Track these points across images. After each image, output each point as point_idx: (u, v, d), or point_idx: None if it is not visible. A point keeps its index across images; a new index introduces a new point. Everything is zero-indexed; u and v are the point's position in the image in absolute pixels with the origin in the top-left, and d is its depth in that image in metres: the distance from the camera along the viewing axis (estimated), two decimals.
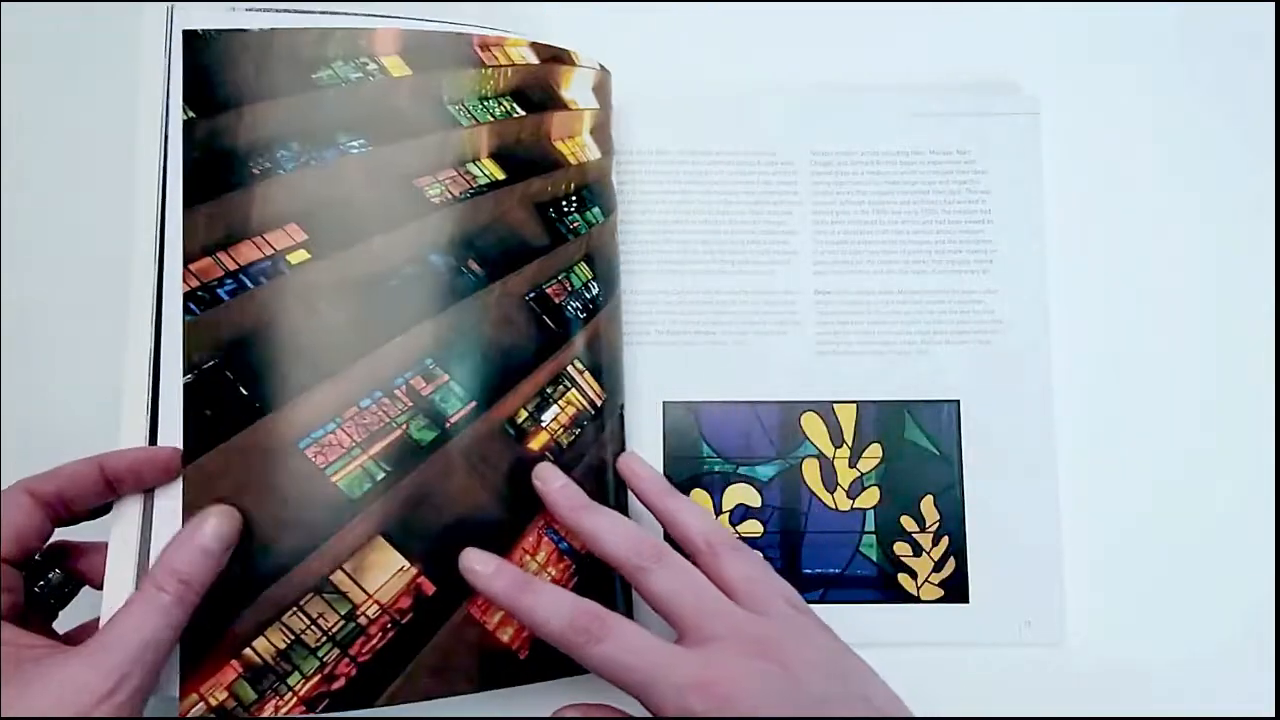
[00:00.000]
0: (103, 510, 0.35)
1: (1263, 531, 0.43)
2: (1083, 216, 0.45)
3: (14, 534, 0.32)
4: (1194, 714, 0.40)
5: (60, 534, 0.35)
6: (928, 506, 0.43)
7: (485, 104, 0.40)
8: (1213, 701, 0.41)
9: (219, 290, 0.36)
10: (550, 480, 0.37)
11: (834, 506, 0.43)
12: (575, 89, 0.42)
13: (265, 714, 0.34)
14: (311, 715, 0.34)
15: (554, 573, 0.38)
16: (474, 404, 0.38)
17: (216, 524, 0.33)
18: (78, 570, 0.35)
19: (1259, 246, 0.46)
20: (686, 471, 0.43)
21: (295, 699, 0.34)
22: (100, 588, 0.34)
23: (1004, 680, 0.42)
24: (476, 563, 0.34)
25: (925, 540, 0.42)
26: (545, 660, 0.37)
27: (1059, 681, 0.41)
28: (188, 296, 0.36)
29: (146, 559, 0.34)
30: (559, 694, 0.40)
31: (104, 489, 0.33)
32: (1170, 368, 0.44)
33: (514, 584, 0.33)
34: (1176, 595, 0.42)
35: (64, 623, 0.35)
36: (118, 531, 0.34)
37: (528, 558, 0.37)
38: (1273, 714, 0.36)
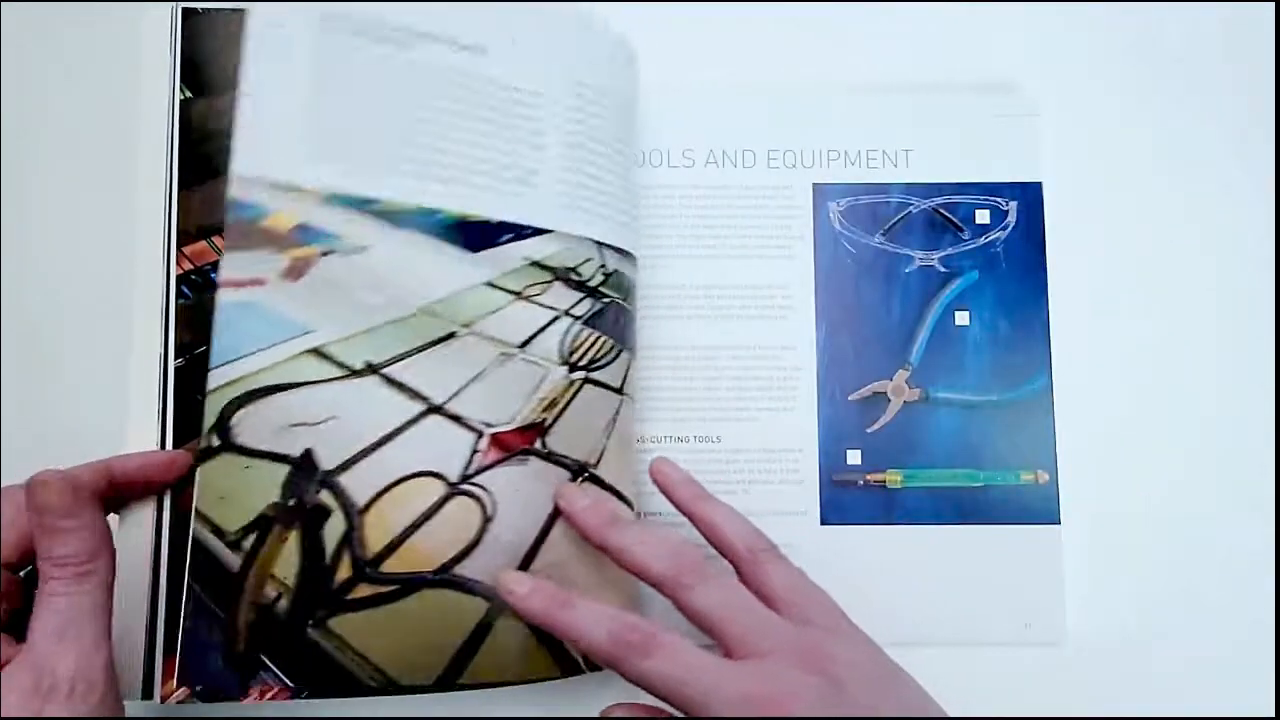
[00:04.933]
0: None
1: (1263, 532, 0.43)
2: (1083, 217, 0.45)
3: (14, 536, 0.31)
4: (1194, 714, 0.40)
5: None
6: None
7: None
8: (1213, 701, 0.41)
9: (213, 274, 0.35)
10: (574, 500, 0.35)
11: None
12: None
13: (249, 700, 0.33)
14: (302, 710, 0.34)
15: None
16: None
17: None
18: None
19: (1259, 246, 0.46)
20: None
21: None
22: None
23: (1004, 680, 0.42)
24: (513, 584, 0.33)
25: None
26: None
27: (1059, 681, 0.41)
28: (180, 279, 0.35)
29: (158, 565, 0.34)
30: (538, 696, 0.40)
31: (109, 492, 0.32)
32: (1170, 367, 0.44)
33: (552, 601, 0.32)
34: (1176, 595, 0.42)
35: None
36: (126, 537, 0.34)
37: None
38: (1273, 714, 0.36)
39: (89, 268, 0.43)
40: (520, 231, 0.37)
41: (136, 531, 0.34)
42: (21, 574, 0.33)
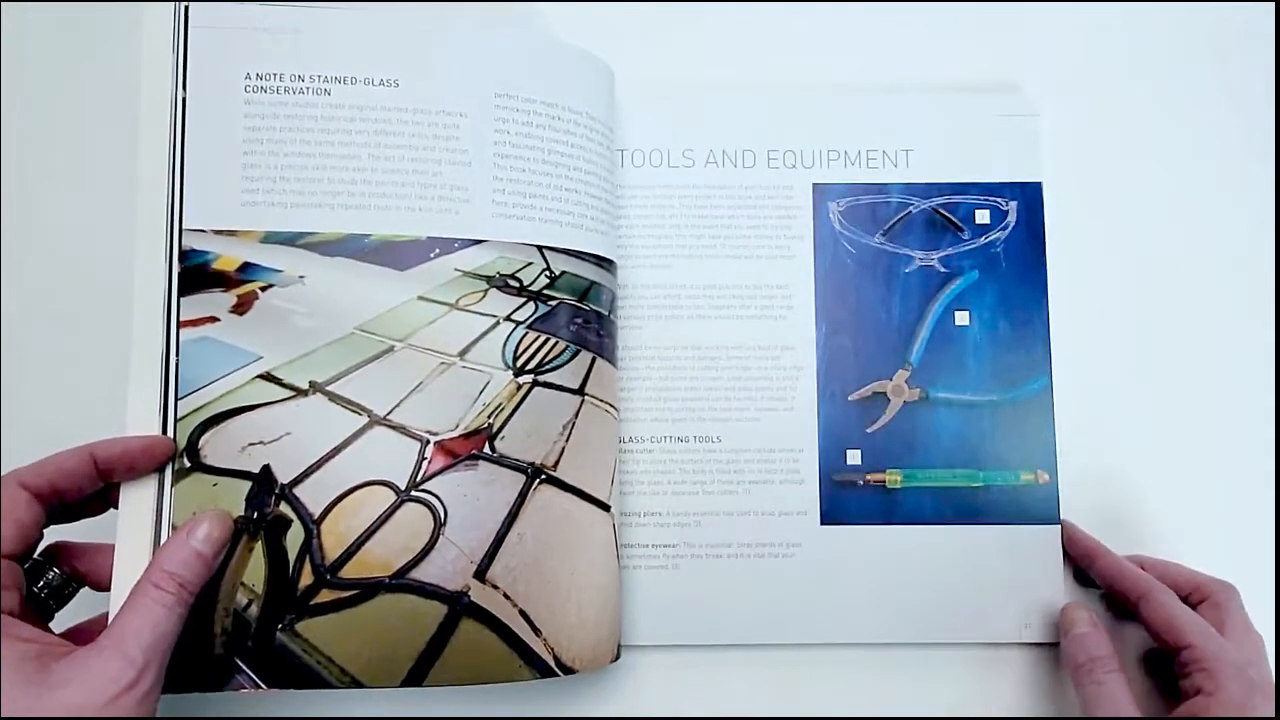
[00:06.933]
0: (100, 507, 0.35)
1: (1262, 533, 0.43)
2: (1082, 217, 0.45)
3: (13, 529, 0.32)
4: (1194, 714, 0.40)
5: (62, 532, 0.35)
6: None
7: None
8: None
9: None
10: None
11: None
12: None
13: None
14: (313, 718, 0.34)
15: None
16: None
17: (209, 528, 0.33)
18: (78, 570, 0.35)
19: (1259, 246, 0.46)
20: None
21: None
22: (101, 588, 0.34)
23: (1004, 680, 0.42)
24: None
25: None
26: None
27: (1059, 681, 0.42)
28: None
29: None
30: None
31: (95, 478, 0.33)
32: (1170, 367, 0.45)
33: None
34: None
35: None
36: (127, 531, 0.34)
37: None
38: (1272, 714, 0.36)
39: (91, 264, 0.43)
40: (450, 245, 0.38)
41: (137, 546, 0.34)
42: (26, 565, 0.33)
